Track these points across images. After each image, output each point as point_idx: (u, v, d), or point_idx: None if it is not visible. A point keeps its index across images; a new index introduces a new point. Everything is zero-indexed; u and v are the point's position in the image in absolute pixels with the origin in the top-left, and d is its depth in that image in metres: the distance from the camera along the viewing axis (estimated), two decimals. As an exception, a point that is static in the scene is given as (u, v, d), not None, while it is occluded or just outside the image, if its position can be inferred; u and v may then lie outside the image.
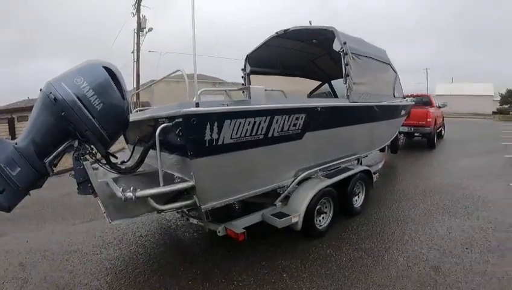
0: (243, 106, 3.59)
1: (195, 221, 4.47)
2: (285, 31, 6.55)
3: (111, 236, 5.39)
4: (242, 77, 7.78)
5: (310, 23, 6.45)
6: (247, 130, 3.58)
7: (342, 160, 5.56)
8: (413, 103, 9.35)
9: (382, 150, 8.81)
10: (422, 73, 74.16)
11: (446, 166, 10.02)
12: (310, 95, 8.78)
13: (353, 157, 5.89)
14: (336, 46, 5.48)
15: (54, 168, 3.44)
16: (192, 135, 3.17)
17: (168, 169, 3.98)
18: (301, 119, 4.24)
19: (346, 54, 5.38)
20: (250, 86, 3.84)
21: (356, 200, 5.82)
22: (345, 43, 5.38)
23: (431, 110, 13.41)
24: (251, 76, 7.76)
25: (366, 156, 7.15)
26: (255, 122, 3.63)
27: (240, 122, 3.47)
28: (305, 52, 8.02)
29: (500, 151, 12.98)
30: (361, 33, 6.52)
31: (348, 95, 5.39)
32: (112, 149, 4.02)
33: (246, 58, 7.58)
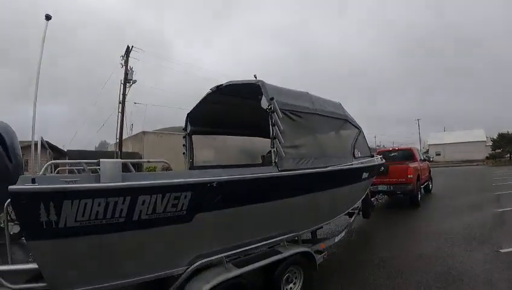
0: (81, 185, 2.80)
1: None
2: (217, 87, 5.61)
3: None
4: (183, 137, 6.73)
5: (255, 77, 5.47)
6: (97, 212, 2.84)
7: (268, 241, 4.40)
8: (383, 161, 8.17)
9: (351, 214, 7.54)
10: (414, 123, 74.22)
11: (427, 229, 8.67)
12: (264, 156, 7.60)
13: (288, 236, 4.68)
14: (264, 103, 4.47)
15: None
16: (23, 215, 2.68)
17: None
18: (185, 198, 3.27)
19: (273, 111, 4.36)
20: (101, 160, 3.06)
21: (291, 289, 4.53)
22: (271, 99, 4.40)
23: (412, 165, 12.20)
24: (194, 136, 6.70)
25: (321, 227, 5.93)
26: (107, 203, 2.85)
27: (86, 203, 2.77)
28: (255, 108, 7.06)
29: (490, 205, 11.67)
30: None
31: (275, 162, 4.29)
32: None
33: (187, 117, 6.58)
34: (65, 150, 28.00)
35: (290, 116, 4.71)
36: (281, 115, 4.42)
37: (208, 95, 5.97)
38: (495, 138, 49.55)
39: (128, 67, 22.75)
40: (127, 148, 31.89)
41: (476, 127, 66.68)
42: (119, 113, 22.02)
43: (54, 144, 31.90)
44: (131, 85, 22.54)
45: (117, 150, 22.31)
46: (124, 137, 26.49)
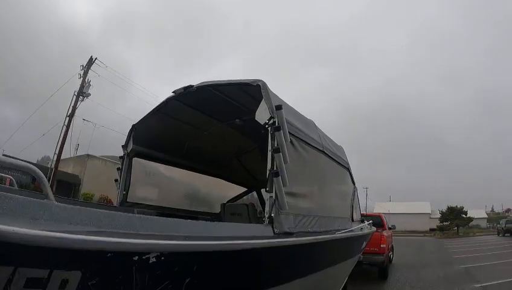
0: None
1: None
2: (185, 88, 3.71)
3: None
4: (120, 158, 4.65)
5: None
6: None
7: None
8: (374, 229, 6.47)
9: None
10: (361, 192, 74.86)
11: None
12: (225, 205, 5.51)
13: None
14: (262, 114, 2.63)
15: None
16: None
17: None
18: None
19: (278, 128, 2.52)
20: None
21: None
22: (278, 108, 2.61)
23: (385, 233, 10.70)
24: (135, 159, 4.63)
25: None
26: None
27: None
28: (225, 138, 5.13)
29: (465, 279, 10.47)
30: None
31: (270, 218, 2.39)
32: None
33: (131, 131, 4.53)
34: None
35: (295, 144, 2.90)
36: (288, 136, 2.57)
37: (169, 101, 4.05)
38: (443, 210, 50.06)
39: (86, 80, 20.30)
40: (68, 169, 28.63)
41: (422, 200, 68.54)
42: (64, 126, 19.18)
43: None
44: (83, 99, 19.99)
45: (52, 167, 19.29)
46: (66, 156, 23.51)
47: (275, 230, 2.45)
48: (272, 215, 2.48)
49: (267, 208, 2.52)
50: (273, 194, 2.49)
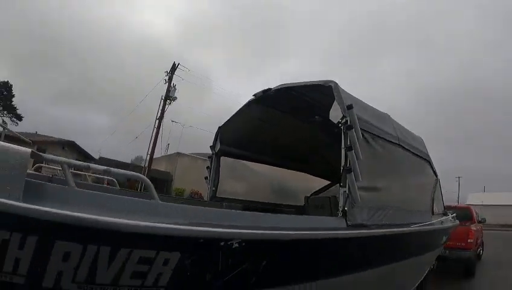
0: None
1: None
2: (264, 92, 4.03)
3: None
4: (208, 157, 5.14)
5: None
6: None
7: None
8: (457, 222, 6.21)
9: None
10: (453, 181, 68.46)
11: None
12: (309, 198, 5.74)
13: None
14: (335, 113, 2.83)
15: None
16: None
17: None
18: (165, 264, 1.68)
19: (350, 127, 2.74)
20: None
21: None
22: (350, 108, 2.81)
23: (473, 227, 9.92)
24: (222, 158, 5.10)
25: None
26: None
27: None
28: (306, 134, 5.33)
29: None
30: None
31: (344, 211, 2.59)
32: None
33: (217, 132, 5.02)
34: (97, 157, 27.73)
35: (369, 140, 3.05)
36: (360, 134, 2.76)
37: (250, 104, 4.45)
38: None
39: (171, 85, 21.90)
40: (161, 167, 30.89)
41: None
42: (155, 128, 21.02)
43: (88, 150, 31.87)
44: (170, 102, 21.70)
45: (146, 166, 21.15)
46: (158, 156, 25.45)
47: (348, 222, 2.66)
48: (346, 208, 2.70)
49: (340, 202, 2.75)
50: (347, 189, 2.71)
